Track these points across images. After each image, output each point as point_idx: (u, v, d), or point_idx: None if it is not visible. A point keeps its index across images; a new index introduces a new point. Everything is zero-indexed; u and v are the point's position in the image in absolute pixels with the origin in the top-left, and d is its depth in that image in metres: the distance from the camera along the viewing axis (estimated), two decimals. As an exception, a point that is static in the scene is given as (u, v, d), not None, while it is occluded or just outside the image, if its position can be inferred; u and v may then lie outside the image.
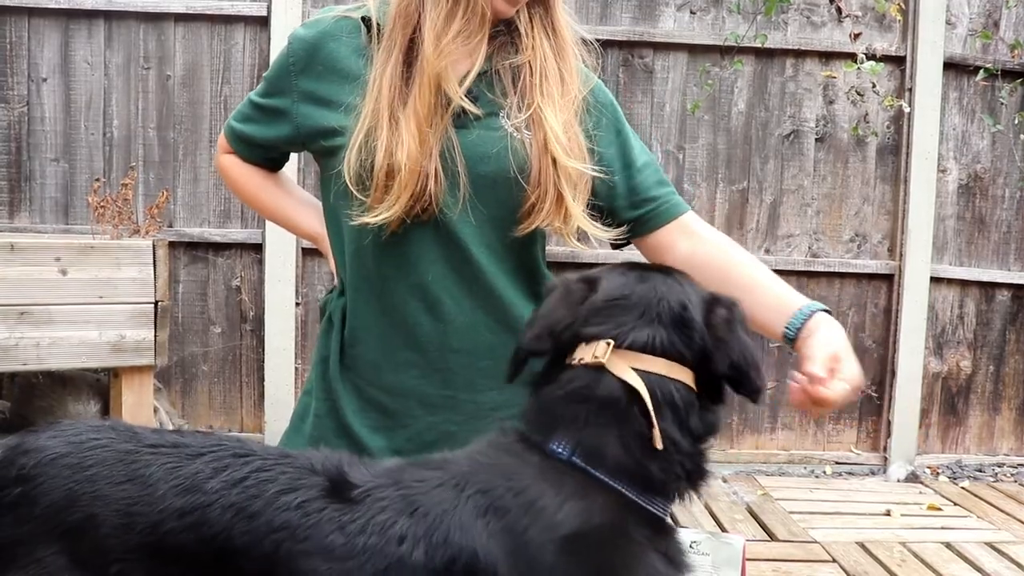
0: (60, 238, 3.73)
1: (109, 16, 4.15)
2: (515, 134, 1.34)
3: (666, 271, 1.23)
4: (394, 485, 1.07)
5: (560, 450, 1.10)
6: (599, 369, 1.11)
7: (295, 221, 1.62)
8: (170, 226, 4.17)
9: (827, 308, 1.33)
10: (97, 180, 3.90)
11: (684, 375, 1.13)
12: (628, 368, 1.10)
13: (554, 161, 1.33)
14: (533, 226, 1.35)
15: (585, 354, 1.12)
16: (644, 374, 1.10)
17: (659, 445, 1.08)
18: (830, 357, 1.24)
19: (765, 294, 1.37)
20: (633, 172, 1.44)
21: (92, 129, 4.19)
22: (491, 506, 1.04)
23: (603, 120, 1.44)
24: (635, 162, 1.45)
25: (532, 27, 1.37)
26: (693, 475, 1.14)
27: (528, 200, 1.34)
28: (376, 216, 1.31)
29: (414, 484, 1.07)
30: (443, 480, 1.07)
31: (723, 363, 1.14)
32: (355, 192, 1.32)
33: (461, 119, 1.34)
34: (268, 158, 1.55)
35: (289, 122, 1.43)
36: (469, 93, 1.34)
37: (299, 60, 1.41)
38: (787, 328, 1.32)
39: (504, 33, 1.38)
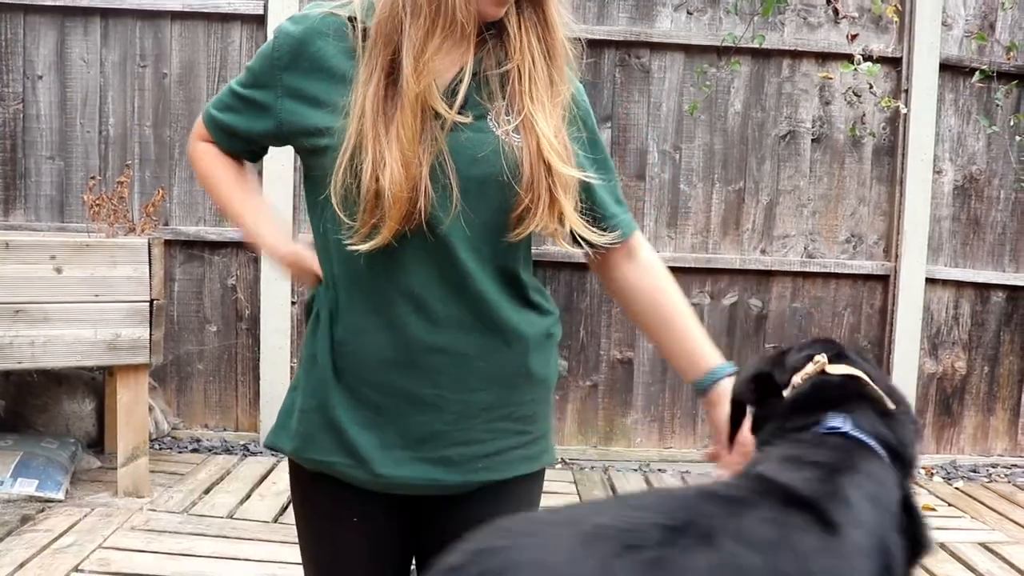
0: (55, 236, 3.72)
1: (105, 13, 4.14)
2: (504, 137, 1.32)
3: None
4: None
5: (840, 425, 1.19)
6: (821, 374, 1.25)
7: (262, 230, 1.53)
8: (166, 224, 4.17)
9: (734, 371, 1.44)
10: (93, 178, 3.89)
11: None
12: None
13: (548, 167, 1.31)
14: (528, 231, 1.33)
15: (805, 373, 1.26)
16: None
17: (891, 405, 1.21)
18: (741, 443, 1.35)
19: (684, 337, 1.51)
20: (599, 187, 1.45)
21: (88, 127, 4.19)
22: (870, 494, 1.08)
23: (581, 131, 1.43)
24: (607, 173, 1.46)
25: (522, 28, 1.34)
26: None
27: (521, 204, 1.32)
28: (365, 244, 1.29)
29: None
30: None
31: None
32: (343, 216, 1.30)
33: (448, 122, 1.32)
34: (249, 150, 1.52)
35: (272, 117, 1.40)
36: (462, 97, 1.32)
37: (284, 55, 1.39)
38: (697, 384, 1.47)
39: (494, 36, 1.35)
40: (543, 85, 1.34)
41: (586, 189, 1.43)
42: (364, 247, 1.29)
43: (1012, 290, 4.58)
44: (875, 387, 1.22)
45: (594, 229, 1.42)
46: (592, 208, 1.44)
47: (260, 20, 4.17)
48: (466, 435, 1.36)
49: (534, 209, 1.32)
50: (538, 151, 1.31)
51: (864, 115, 4.37)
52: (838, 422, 1.18)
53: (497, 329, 1.36)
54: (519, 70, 1.33)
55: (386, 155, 1.27)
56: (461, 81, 1.32)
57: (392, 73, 1.30)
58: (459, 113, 1.31)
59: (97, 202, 3.60)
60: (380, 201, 1.27)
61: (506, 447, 1.40)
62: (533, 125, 1.32)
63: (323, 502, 1.43)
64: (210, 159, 1.53)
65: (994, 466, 4.55)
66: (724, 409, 1.39)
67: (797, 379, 1.27)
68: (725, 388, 1.42)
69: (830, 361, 1.26)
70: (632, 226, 1.49)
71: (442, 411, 1.35)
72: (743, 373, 1.36)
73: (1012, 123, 4.41)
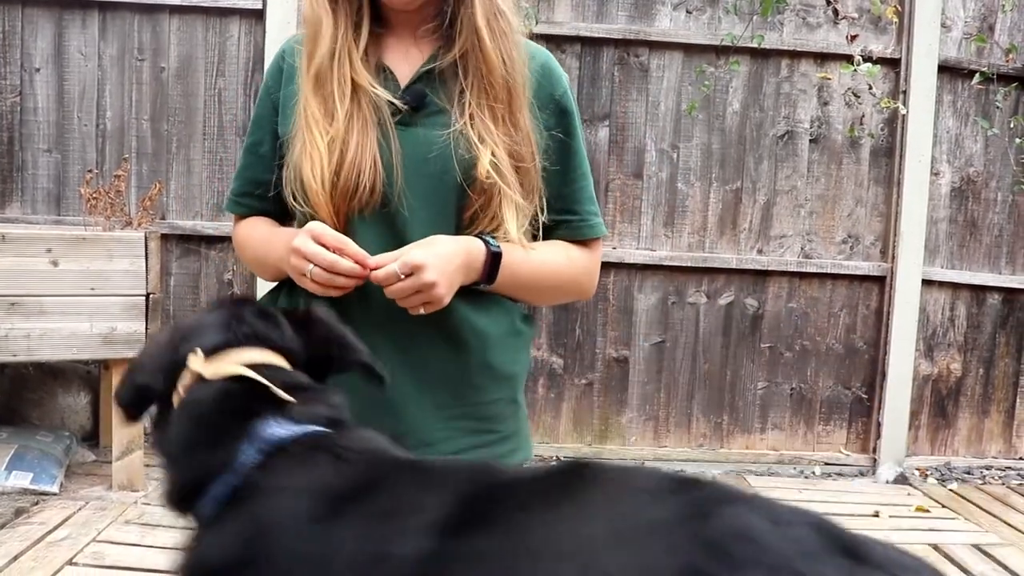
0: (52, 229, 3.71)
1: (103, 7, 4.13)
2: (463, 133, 1.32)
3: (228, 306, 1.19)
4: None
5: (278, 433, 1.08)
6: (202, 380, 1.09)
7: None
8: (163, 218, 4.16)
9: (496, 247, 1.33)
10: (90, 171, 3.88)
11: (278, 359, 1.12)
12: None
13: (493, 176, 1.32)
14: (478, 231, 1.34)
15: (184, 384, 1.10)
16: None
17: (289, 398, 1.05)
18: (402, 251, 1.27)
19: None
20: (567, 180, 1.44)
21: (85, 120, 4.18)
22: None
23: (555, 119, 1.42)
24: (573, 171, 1.44)
25: (464, 18, 1.34)
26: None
27: (471, 207, 1.33)
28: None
29: None
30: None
31: (314, 340, 1.14)
32: (294, 205, 1.36)
33: (404, 117, 1.34)
34: (279, 200, 1.47)
35: (275, 113, 1.43)
36: (413, 92, 1.34)
37: (270, 78, 1.45)
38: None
39: (444, 27, 1.36)
40: (494, 82, 1.33)
41: (558, 186, 1.42)
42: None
43: (1008, 292, 4.59)
44: (269, 383, 1.05)
45: (563, 227, 1.44)
46: (559, 199, 1.43)
47: (259, 15, 4.16)
48: (427, 436, 1.35)
49: (483, 215, 1.34)
50: (480, 161, 1.32)
51: (863, 116, 4.37)
52: (267, 438, 1.01)
53: (452, 327, 1.36)
54: (464, 66, 1.34)
55: (312, 147, 1.30)
56: (418, 78, 1.35)
57: (320, 73, 1.33)
58: (411, 109, 1.34)
59: (94, 195, 3.60)
60: (309, 189, 1.31)
61: (468, 447, 1.38)
62: (483, 136, 1.32)
63: None
64: (244, 231, 1.51)
65: (988, 468, 4.55)
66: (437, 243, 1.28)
67: (182, 390, 1.08)
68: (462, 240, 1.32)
69: (211, 352, 1.08)
70: (598, 229, 1.48)
71: (401, 412, 1.34)
72: (131, 378, 1.15)
73: (1011, 125, 4.41)
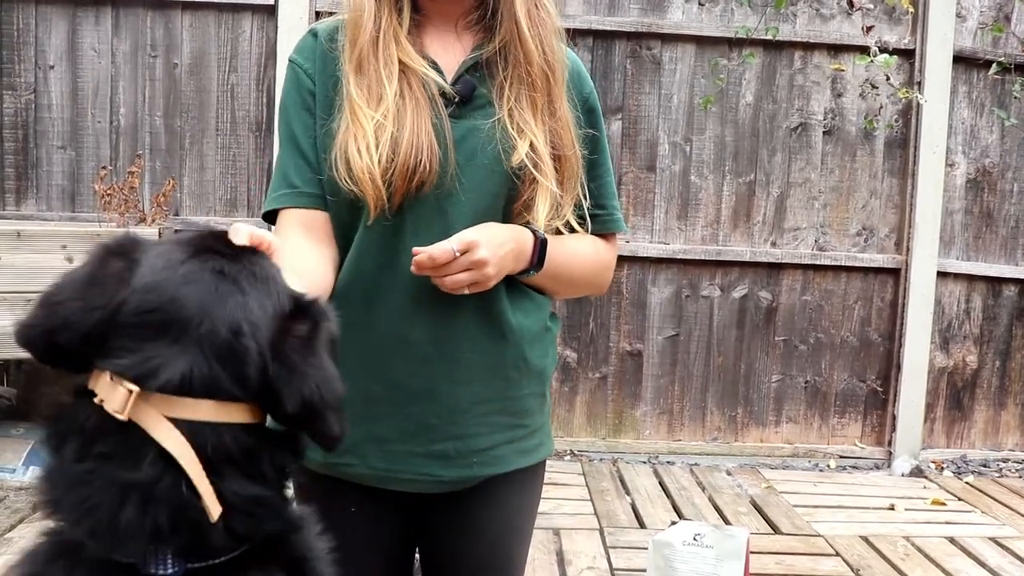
0: (66, 226, 3.73)
1: (116, 3, 4.15)
2: (502, 124, 1.33)
3: (231, 257, 0.94)
4: None
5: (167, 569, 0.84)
6: (128, 426, 0.83)
7: None
8: (176, 215, 4.18)
9: (543, 236, 1.34)
10: (104, 168, 3.90)
11: (242, 414, 0.88)
12: (163, 420, 0.83)
13: (531, 172, 1.33)
14: (540, 221, 1.35)
15: (108, 395, 0.84)
16: (186, 424, 0.84)
17: (214, 517, 0.84)
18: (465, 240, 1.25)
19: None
20: (595, 175, 1.46)
21: (99, 117, 4.19)
22: None
23: (584, 116, 1.44)
24: (601, 166, 1.47)
25: (504, 9, 1.34)
26: (272, 523, 0.91)
27: (521, 196, 1.34)
28: (373, 212, 1.30)
29: None
30: None
31: (292, 401, 0.89)
32: (343, 187, 1.30)
33: (454, 110, 1.34)
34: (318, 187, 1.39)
35: (305, 96, 1.39)
36: (463, 84, 1.34)
37: (304, 61, 1.39)
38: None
39: (486, 18, 1.36)
40: (535, 73, 1.34)
41: (586, 181, 1.43)
42: (372, 216, 1.30)
43: (1024, 284, 4.56)
44: (196, 479, 0.83)
45: (591, 221, 1.45)
46: (593, 201, 1.45)
47: (271, 10, 4.16)
48: (459, 429, 1.35)
49: (518, 202, 1.34)
50: (517, 151, 1.32)
51: (881, 107, 4.35)
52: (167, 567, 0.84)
53: (493, 321, 1.36)
54: (504, 57, 1.34)
55: (365, 127, 1.29)
56: (464, 71, 1.35)
57: (362, 58, 1.32)
58: (461, 100, 1.33)
59: (108, 192, 3.61)
60: (355, 168, 1.28)
61: (501, 441, 1.38)
62: (520, 124, 1.33)
63: (320, 496, 1.42)
64: (293, 249, 1.32)
65: (1005, 461, 4.53)
66: (490, 228, 1.29)
67: (100, 396, 0.85)
68: (516, 229, 1.32)
69: (158, 388, 0.84)
70: (619, 224, 1.51)
71: (434, 404, 1.34)
72: (59, 296, 0.91)
73: (1026, 116, 4.37)
